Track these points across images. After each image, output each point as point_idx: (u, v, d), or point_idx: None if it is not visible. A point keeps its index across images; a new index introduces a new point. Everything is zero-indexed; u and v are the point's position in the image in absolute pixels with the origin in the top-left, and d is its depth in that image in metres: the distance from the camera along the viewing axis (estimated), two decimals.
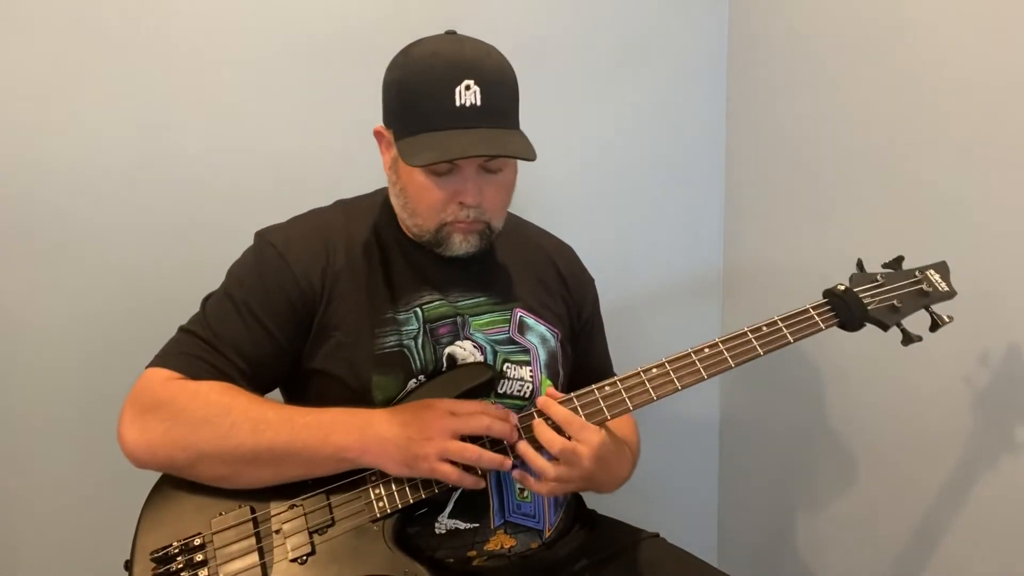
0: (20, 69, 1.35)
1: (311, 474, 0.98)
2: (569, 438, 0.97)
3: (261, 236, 1.09)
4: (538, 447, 0.97)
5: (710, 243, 1.78)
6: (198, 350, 1.01)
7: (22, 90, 1.35)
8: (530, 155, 0.97)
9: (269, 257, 1.05)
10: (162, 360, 1.02)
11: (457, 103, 0.96)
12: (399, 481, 0.99)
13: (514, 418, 1.00)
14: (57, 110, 1.37)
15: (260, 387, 1.04)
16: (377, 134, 1.08)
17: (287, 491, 0.98)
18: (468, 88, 0.96)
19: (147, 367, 1.02)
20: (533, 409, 1.01)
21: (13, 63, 1.34)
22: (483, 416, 0.97)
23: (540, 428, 0.97)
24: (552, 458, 0.97)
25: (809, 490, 1.56)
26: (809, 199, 1.51)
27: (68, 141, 1.38)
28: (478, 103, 0.96)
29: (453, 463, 0.95)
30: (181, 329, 1.05)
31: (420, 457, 0.94)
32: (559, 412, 0.98)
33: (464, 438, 0.97)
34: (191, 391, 0.98)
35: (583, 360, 1.23)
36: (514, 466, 0.99)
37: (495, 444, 0.99)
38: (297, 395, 1.09)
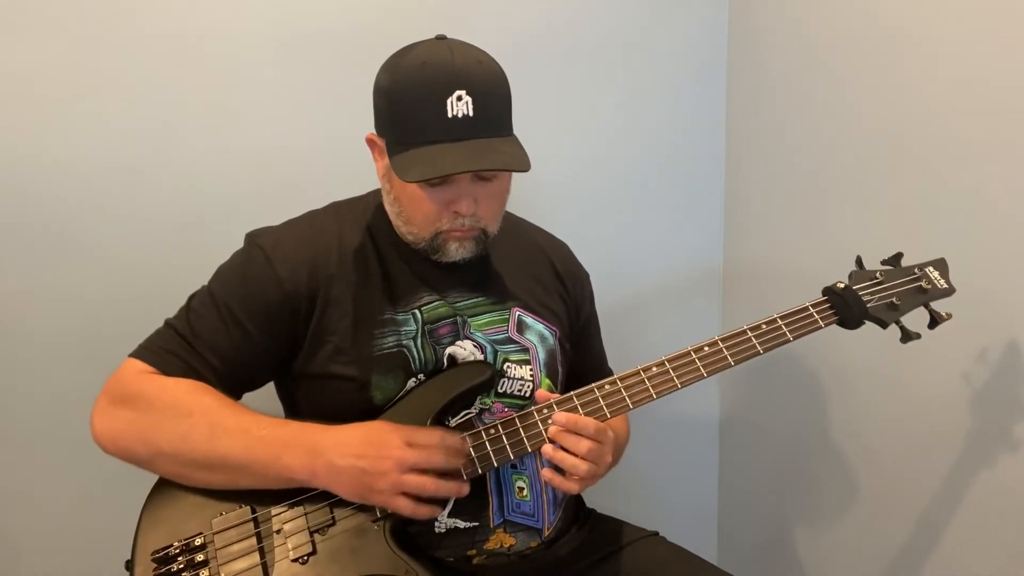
0: (20, 70, 1.35)
1: (262, 487, 0.97)
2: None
3: (251, 238, 1.09)
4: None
5: (710, 242, 1.77)
6: (174, 346, 1.02)
7: (21, 91, 1.35)
8: (523, 166, 0.95)
9: (255, 259, 1.05)
10: (140, 352, 1.03)
11: (449, 114, 0.95)
12: None
13: (468, 446, 0.99)
14: (56, 110, 1.37)
15: (235, 387, 1.04)
16: (369, 142, 1.07)
17: (287, 491, 0.98)
18: (460, 99, 0.95)
19: (128, 356, 1.03)
20: (551, 415, 0.99)
21: (13, 63, 1.34)
22: (439, 450, 0.96)
23: (563, 435, 0.97)
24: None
25: (809, 489, 1.56)
26: (809, 198, 1.51)
27: (66, 142, 1.38)
28: (470, 113, 0.95)
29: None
30: (166, 322, 1.06)
31: (375, 491, 0.94)
32: (585, 421, 0.97)
33: None
34: (159, 386, 0.99)
35: (583, 357, 1.23)
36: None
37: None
38: (296, 399, 1.08)
